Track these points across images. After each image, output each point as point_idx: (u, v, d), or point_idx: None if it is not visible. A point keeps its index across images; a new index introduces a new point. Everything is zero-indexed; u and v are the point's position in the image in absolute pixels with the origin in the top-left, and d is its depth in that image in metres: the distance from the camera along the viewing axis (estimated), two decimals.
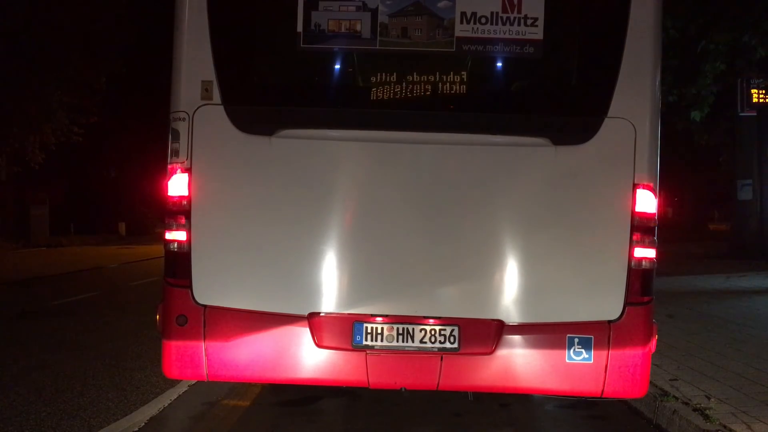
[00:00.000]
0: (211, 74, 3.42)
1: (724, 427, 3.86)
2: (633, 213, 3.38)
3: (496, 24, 3.37)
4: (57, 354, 6.51)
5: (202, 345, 3.47)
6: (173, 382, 5.31)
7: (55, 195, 30.63)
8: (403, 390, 3.54)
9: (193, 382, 5.30)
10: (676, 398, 4.38)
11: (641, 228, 3.38)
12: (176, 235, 3.47)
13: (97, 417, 4.51)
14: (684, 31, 12.04)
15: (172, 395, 5.00)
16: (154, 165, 38.32)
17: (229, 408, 4.80)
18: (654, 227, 3.43)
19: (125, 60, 22.90)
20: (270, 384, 5.22)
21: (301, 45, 3.45)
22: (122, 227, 32.50)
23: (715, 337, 6.46)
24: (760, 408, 4.19)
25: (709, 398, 4.36)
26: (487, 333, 3.41)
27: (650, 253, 3.41)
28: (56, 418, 4.47)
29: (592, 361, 3.38)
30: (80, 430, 4.28)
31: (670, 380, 4.82)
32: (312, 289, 3.48)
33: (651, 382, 4.70)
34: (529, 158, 3.44)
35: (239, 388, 5.23)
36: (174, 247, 3.49)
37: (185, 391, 5.14)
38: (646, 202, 3.40)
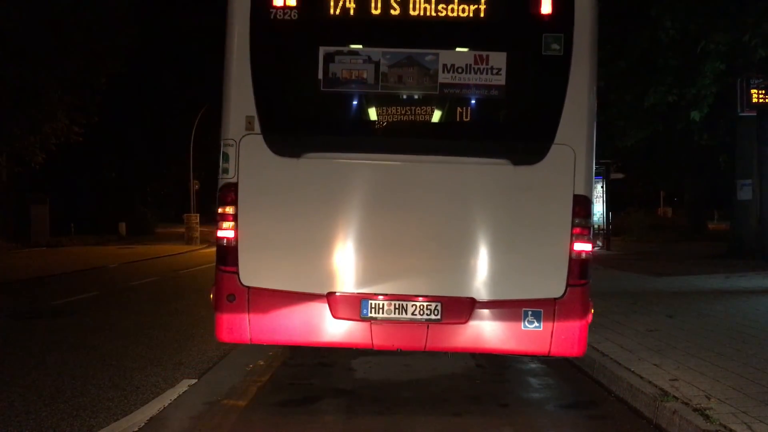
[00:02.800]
0: (253, 111, 4.49)
1: (724, 427, 3.86)
2: (573, 216, 4.43)
3: (470, 73, 4.47)
4: (56, 354, 6.52)
5: (247, 316, 4.50)
6: (172, 382, 5.39)
7: (56, 195, 30.63)
8: (398, 351, 4.78)
9: (193, 382, 5.38)
10: (676, 398, 4.37)
11: (579, 228, 4.44)
12: (226, 234, 4.54)
13: (97, 417, 4.51)
14: (684, 31, 12.04)
15: (172, 395, 5.00)
16: (154, 165, 38.51)
17: (229, 407, 4.80)
18: (589, 227, 4.49)
19: (126, 60, 22.95)
20: (270, 384, 5.28)
21: (322, 89, 4.54)
22: (122, 227, 32.42)
23: (716, 337, 6.45)
24: (760, 408, 4.18)
25: (709, 398, 4.36)
26: (462, 307, 4.47)
27: (587, 246, 4.49)
28: (56, 419, 4.47)
29: (541, 329, 4.42)
30: (80, 430, 4.28)
31: (670, 380, 4.81)
32: (330, 275, 4.53)
33: (651, 383, 4.74)
34: (495, 175, 4.50)
35: (239, 387, 5.25)
36: (225, 243, 4.56)
37: (185, 391, 5.14)
38: (583, 208, 4.46)
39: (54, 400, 4.90)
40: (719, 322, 7.35)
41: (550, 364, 6.14)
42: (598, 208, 19.81)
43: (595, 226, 20.48)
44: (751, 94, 12.82)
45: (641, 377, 4.94)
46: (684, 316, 7.71)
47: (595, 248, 19.81)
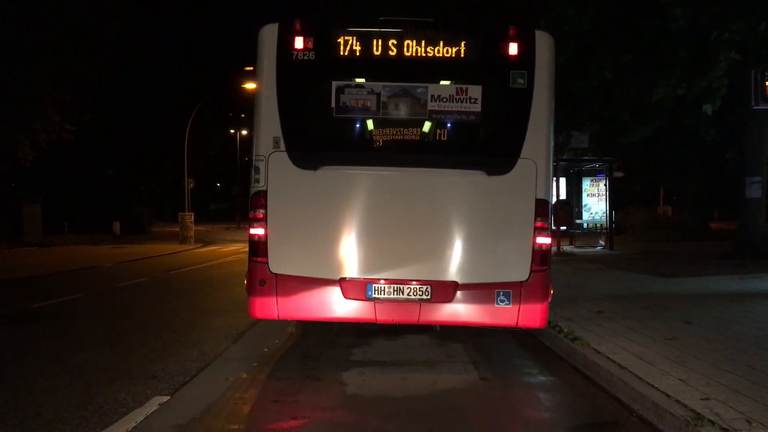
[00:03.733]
0: (279, 133, 5.47)
1: None
2: (535, 215, 5.43)
3: (453, 102, 5.50)
4: (20, 365, 5.97)
5: (275, 298, 5.49)
6: (142, 400, 4.84)
7: (49, 193, 30.05)
8: (396, 324, 5.86)
9: (165, 400, 4.86)
10: (712, 422, 3.81)
11: (540, 224, 5.44)
12: (258, 231, 5.51)
13: None
14: (695, 20, 11.48)
15: (138, 416, 4.43)
16: (148, 163, 37.88)
17: (203, 430, 4.24)
18: (549, 224, 5.49)
19: (118, 56, 22.34)
20: (251, 401, 4.85)
21: (334, 115, 5.54)
22: (116, 226, 31.73)
23: (743, 346, 5.89)
24: None
25: (750, 423, 3.80)
26: (447, 289, 5.48)
27: (547, 240, 5.50)
28: None
29: (510, 306, 5.43)
30: None
31: (701, 399, 4.26)
32: (341, 264, 5.52)
33: (679, 402, 4.22)
34: (473, 183, 5.52)
35: (216, 406, 4.69)
36: (256, 238, 5.53)
37: (154, 411, 4.58)
38: (543, 209, 5.46)
39: (3, 422, 4.33)
40: (743, 328, 6.78)
41: (561, 376, 5.60)
42: (600, 207, 19.40)
43: (597, 225, 19.98)
44: (766, 87, 12.24)
45: (668, 395, 4.38)
46: (703, 321, 7.14)
47: (597, 247, 19.05)
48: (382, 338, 6.99)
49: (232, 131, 49.33)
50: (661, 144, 21.76)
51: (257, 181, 5.51)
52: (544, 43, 5.53)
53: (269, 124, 5.49)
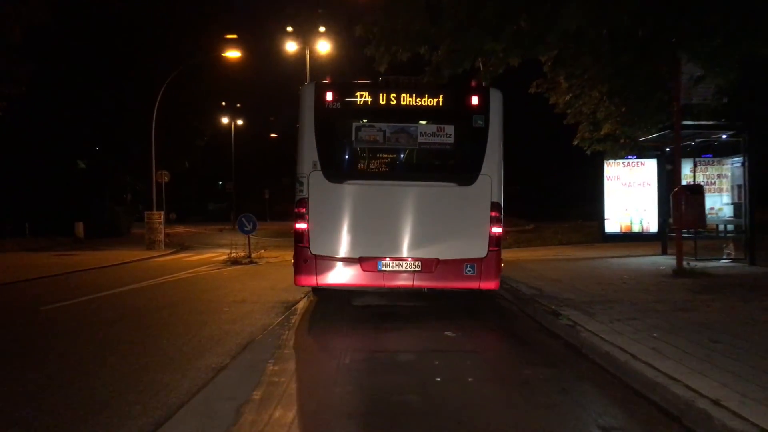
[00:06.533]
0: (316, 158, 7.92)
1: None
2: (490, 212, 7.89)
3: (434, 136, 8.04)
4: None
5: (315, 272, 7.95)
6: None
7: None
8: (400, 290, 8.84)
9: None
10: None
11: (494, 219, 7.88)
12: (302, 225, 7.94)
13: None
14: None
15: None
16: (114, 154, 32.48)
17: None
18: (500, 218, 7.92)
19: (54, 6, 17.47)
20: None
21: (354, 146, 8.16)
22: (80, 228, 26.84)
23: None
24: None
25: None
26: (432, 263, 7.91)
27: (498, 229, 7.93)
28: None
29: (475, 274, 7.87)
30: None
31: None
32: (359, 247, 7.96)
33: None
34: (449, 191, 8.02)
35: None
36: (300, 231, 7.95)
37: None
38: (496, 209, 7.91)
39: None
40: None
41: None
42: (722, 200, 13.03)
43: (720, 227, 13.52)
44: None
45: None
46: None
47: (724, 259, 12.79)
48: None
49: (226, 121, 44.50)
50: None
51: (301, 191, 7.92)
52: (496, 96, 8.04)
53: (310, 152, 7.90)
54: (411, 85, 8.12)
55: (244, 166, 51.37)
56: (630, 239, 16.93)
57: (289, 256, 9.04)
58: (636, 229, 16.89)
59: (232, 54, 23.67)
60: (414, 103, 7.92)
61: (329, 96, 7.89)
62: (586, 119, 13.17)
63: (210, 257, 18.93)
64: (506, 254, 16.10)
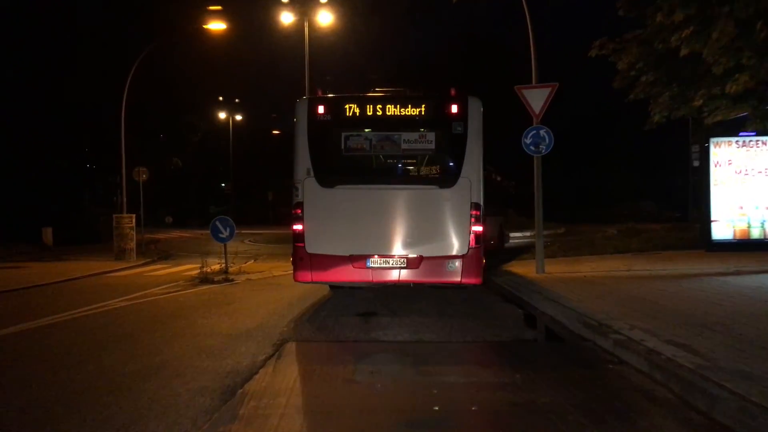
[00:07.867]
0: (309, 165, 8.56)
1: None
2: (470, 214, 8.35)
3: (417, 143, 8.64)
4: None
5: (310, 268, 8.55)
6: None
7: None
8: (389, 285, 8.78)
9: None
10: None
11: (474, 218, 8.33)
12: (298, 226, 8.54)
13: None
14: None
15: None
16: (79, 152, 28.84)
17: None
18: (480, 218, 8.34)
19: None
20: None
21: (343, 154, 8.71)
22: (48, 234, 23.60)
23: None
24: None
25: None
26: (416, 261, 8.42)
27: (479, 228, 8.36)
28: None
29: (456, 269, 8.34)
30: None
31: None
32: (350, 245, 8.49)
33: None
34: (431, 193, 8.53)
35: None
36: (297, 231, 8.55)
37: None
38: (476, 209, 8.36)
39: None
40: None
41: None
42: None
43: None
44: None
45: None
46: None
47: None
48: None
49: (223, 116, 41.10)
50: None
51: (297, 196, 8.56)
52: (474, 103, 8.53)
53: (304, 160, 8.57)
54: (395, 96, 8.83)
55: (245, 165, 47.95)
56: (746, 248, 12.65)
57: (278, 270, 9.49)
58: (756, 234, 12.75)
59: (216, 26, 20.03)
60: (398, 113, 8.59)
61: (321, 109, 8.65)
62: (703, 73, 9.89)
63: (182, 271, 15.49)
64: (560, 267, 12.31)
